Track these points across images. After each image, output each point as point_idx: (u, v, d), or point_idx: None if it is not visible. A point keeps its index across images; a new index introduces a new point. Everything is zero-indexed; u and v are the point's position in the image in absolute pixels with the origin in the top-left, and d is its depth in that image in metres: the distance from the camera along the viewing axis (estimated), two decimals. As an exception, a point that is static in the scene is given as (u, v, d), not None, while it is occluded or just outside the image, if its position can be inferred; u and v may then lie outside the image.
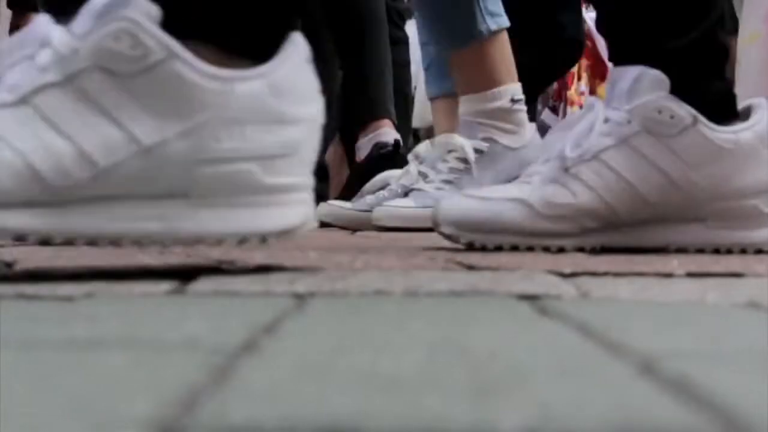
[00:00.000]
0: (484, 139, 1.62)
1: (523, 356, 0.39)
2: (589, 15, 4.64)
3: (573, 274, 0.72)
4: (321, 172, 1.98)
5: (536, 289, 0.63)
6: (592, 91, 4.59)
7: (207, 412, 0.28)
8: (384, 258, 0.86)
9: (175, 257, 0.86)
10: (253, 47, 0.70)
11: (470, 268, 0.78)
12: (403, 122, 2.57)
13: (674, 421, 0.28)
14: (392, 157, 2.11)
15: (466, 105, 1.63)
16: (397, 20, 2.53)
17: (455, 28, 1.64)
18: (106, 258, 0.81)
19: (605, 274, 0.73)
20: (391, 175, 1.91)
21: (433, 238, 1.07)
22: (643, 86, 0.96)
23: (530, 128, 1.65)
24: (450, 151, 1.63)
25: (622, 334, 0.45)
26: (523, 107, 1.64)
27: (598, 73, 4.54)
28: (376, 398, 0.31)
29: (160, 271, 0.72)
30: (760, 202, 0.98)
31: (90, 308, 0.55)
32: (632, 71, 0.97)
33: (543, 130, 2.15)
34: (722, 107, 1.00)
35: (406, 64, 2.70)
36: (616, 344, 0.42)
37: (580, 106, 4.54)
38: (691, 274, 0.73)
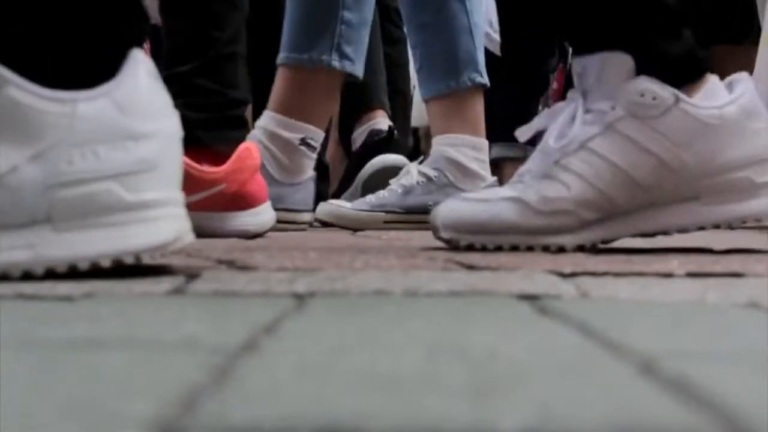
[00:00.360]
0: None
1: (523, 356, 0.39)
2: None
3: (573, 274, 0.72)
4: (322, 171, 2.00)
5: (536, 289, 0.63)
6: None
7: (207, 412, 0.28)
8: (384, 258, 0.86)
9: (175, 257, 0.86)
10: (91, 67, 0.70)
11: (470, 268, 0.78)
12: (402, 121, 2.57)
13: (674, 421, 0.28)
14: (387, 143, 2.12)
15: (262, 117, 1.66)
16: (395, 19, 2.53)
17: (309, 43, 1.66)
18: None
19: (605, 274, 0.73)
20: (386, 158, 1.93)
21: (434, 238, 1.07)
22: (611, 69, 0.96)
23: (307, 173, 1.66)
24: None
25: (622, 334, 0.45)
26: (310, 153, 1.65)
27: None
28: (376, 398, 0.31)
29: (160, 271, 0.72)
30: (751, 173, 0.98)
31: (90, 308, 0.55)
32: (595, 59, 0.97)
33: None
34: (689, 67, 1.00)
35: (405, 63, 2.70)
36: (616, 344, 0.42)
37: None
38: (691, 274, 0.73)
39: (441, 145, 1.75)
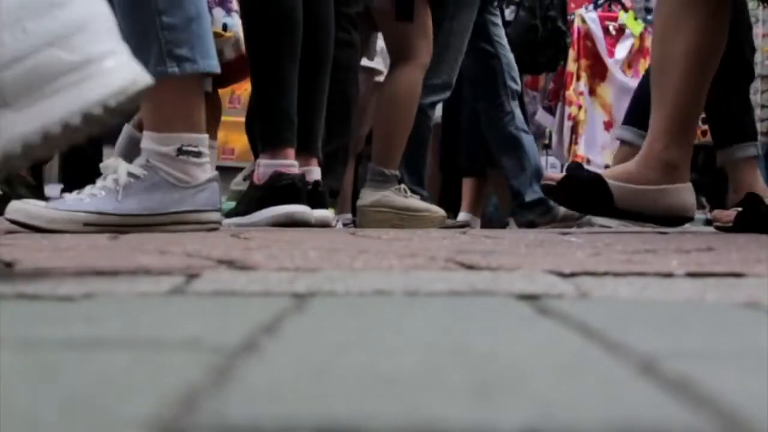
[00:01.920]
0: (144, 166, 1.62)
1: (523, 356, 0.39)
2: (589, 15, 4.66)
3: (573, 274, 0.72)
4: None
5: (536, 289, 0.63)
6: (592, 91, 4.59)
7: (207, 412, 0.28)
8: (384, 258, 0.86)
9: (175, 257, 0.86)
10: None
11: (470, 268, 0.78)
12: (343, 123, 2.62)
13: (674, 421, 0.28)
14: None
15: (144, 136, 1.64)
16: (345, 24, 2.57)
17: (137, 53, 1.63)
18: (106, 258, 0.81)
19: (605, 274, 0.73)
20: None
21: (434, 238, 1.07)
22: None
23: (205, 174, 1.63)
24: (114, 170, 1.64)
25: (622, 334, 0.45)
26: (195, 159, 1.62)
27: (597, 73, 4.55)
28: (376, 398, 0.31)
29: (160, 271, 0.72)
30: (58, 50, 0.72)
31: (90, 308, 0.55)
32: None
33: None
34: None
35: (352, 67, 2.73)
36: (616, 344, 0.42)
37: (579, 107, 4.54)
38: (691, 274, 0.73)
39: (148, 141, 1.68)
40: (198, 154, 1.62)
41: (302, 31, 2.28)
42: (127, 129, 2.45)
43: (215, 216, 1.64)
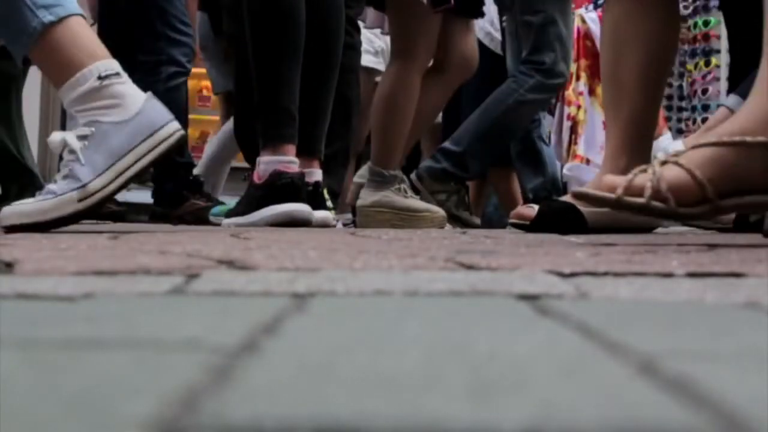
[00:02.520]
0: (87, 124, 1.62)
1: (523, 356, 0.39)
2: (589, 15, 4.66)
3: (573, 274, 0.72)
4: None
5: (536, 289, 0.63)
6: (591, 91, 4.59)
7: (207, 412, 0.28)
8: (384, 258, 0.86)
9: (175, 257, 0.86)
10: None
11: (470, 268, 0.78)
12: (344, 125, 2.64)
13: (674, 421, 0.28)
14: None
15: (62, 99, 1.66)
16: (346, 26, 2.58)
17: (11, 33, 1.67)
18: (107, 258, 0.81)
19: (605, 274, 0.73)
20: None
21: (434, 238, 1.07)
22: None
23: (138, 97, 1.64)
24: (65, 148, 1.63)
25: (622, 334, 0.45)
26: (119, 80, 1.64)
27: (597, 73, 4.55)
28: (376, 398, 0.31)
29: (160, 271, 0.72)
30: None
31: (90, 308, 0.55)
32: None
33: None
34: None
35: (353, 69, 2.75)
36: (616, 344, 0.42)
37: (578, 107, 4.54)
38: (691, 274, 0.73)
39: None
40: (118, 74, 1.64)
41: (311, 34, 2.30)
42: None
43: (174, 125, 1.64)
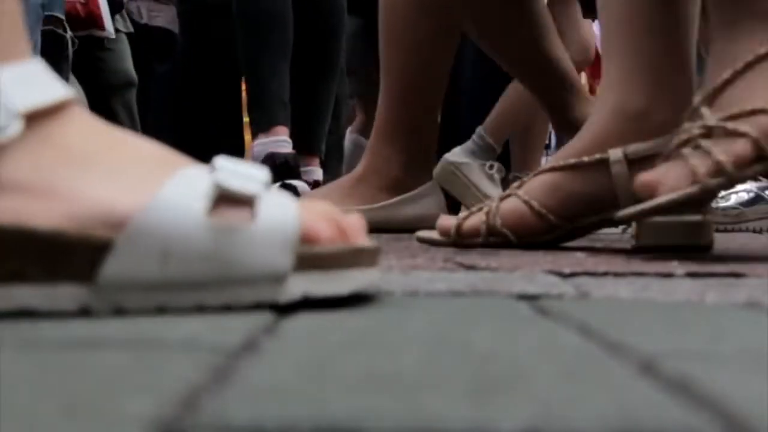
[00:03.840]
0: None
1: (523, 356, 0.39)
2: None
3: (573, 274, 0.72)
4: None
5: (536, 289, 0.63)
6: (591, 91, 4.59)
7: (207, 412, 0.28)
8: (384, 258, 0.86)
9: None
10: None
11: (470, 268, 0.78)
12: (335, 120, 2.68)
13: (674, 421, 0.28)
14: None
15: None
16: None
17: None
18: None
19: (605, 274, 0.73)
20: None
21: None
22: None
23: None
24: None
25: (622, 334, 0.45)
26: None
27: (597, 73, 4.55)
28: (376, 398, 0.31)
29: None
30: None
31: (90, 308, 0.55)
32: None
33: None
34: None
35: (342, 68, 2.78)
36: (616, 344, 0.42)
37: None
38: (691, 274, 0.73)
39: None
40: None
41: (312, 34, 2.32)
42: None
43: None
